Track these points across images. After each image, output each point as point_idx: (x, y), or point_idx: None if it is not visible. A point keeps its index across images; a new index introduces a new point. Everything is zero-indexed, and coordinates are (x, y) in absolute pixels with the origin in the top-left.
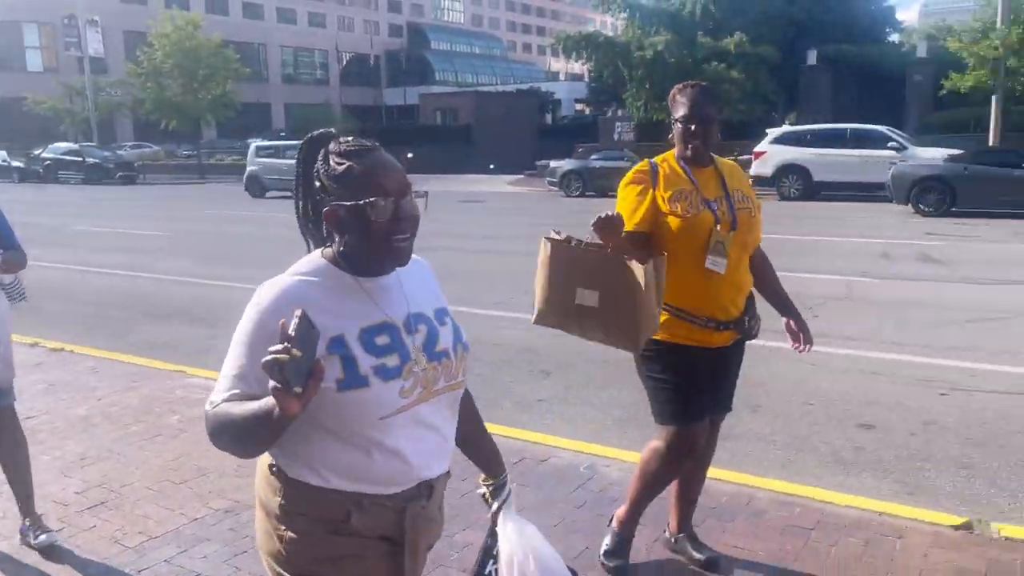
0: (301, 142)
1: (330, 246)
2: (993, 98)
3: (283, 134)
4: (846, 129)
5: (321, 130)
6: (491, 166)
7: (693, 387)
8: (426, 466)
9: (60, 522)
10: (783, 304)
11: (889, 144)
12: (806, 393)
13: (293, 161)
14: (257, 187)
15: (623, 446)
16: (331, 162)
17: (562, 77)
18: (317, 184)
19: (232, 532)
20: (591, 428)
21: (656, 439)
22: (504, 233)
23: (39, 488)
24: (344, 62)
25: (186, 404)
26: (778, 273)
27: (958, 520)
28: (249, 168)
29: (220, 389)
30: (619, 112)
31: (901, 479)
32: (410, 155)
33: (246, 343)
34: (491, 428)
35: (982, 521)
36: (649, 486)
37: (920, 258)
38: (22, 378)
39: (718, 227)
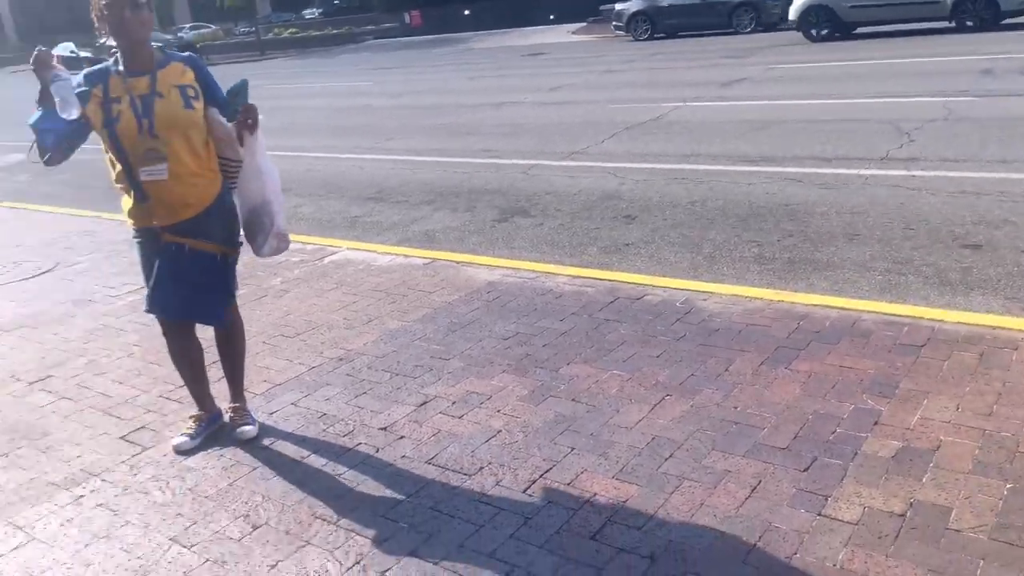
0: None
1: None
2: None
3: (337, 2)
4: None
5: None
6: (551, 16)
7: None
8: None
9: None
10: None
11: None
12: (906, 218)
13: None
14: (828, 22)
15: (718, 280)
16: None
17: None
18: None
19: (349, 377)
20: (683, 267)
21: None
22: (567, 83)
23: (158, 349)
24: None
25: (285, 267)
26: (877, 100)
27: None
28: None
29: None
30: None
31: (1013, 296)
32: (467, 12)
33: None
34: (579, 271)
35: None
36: None
37: None
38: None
39: None
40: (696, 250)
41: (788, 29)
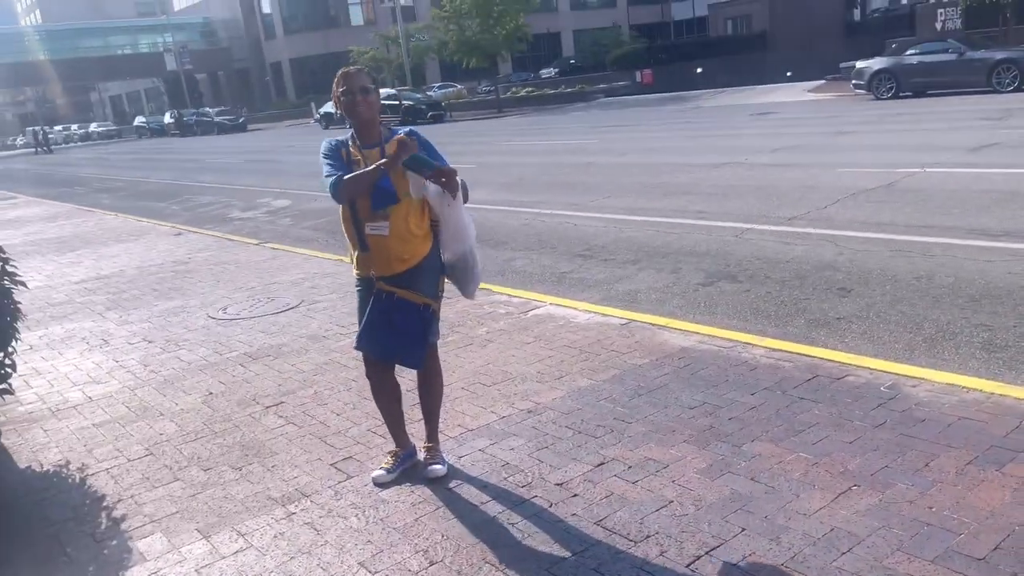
0: None
1: None
2: None
3: (572, 62)
4: None
5: None
6: (788, 73)
7: None
8: None
9: None
10: None
11: None
12: None
13: None
14: None
15: (934, 366)
16: None
17: None
18: None
19: (535, 430)
20: (897, 348)
21: None
22: (794, 144)
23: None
24: None
25: (492, 318)
26: None
27: None
28: None
29: None
30: None
31: None
32: (699, 70)
33: None
34: (778, 344)
35: None
36: None
37: None
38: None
39: None
40: (915, 330)
41: None
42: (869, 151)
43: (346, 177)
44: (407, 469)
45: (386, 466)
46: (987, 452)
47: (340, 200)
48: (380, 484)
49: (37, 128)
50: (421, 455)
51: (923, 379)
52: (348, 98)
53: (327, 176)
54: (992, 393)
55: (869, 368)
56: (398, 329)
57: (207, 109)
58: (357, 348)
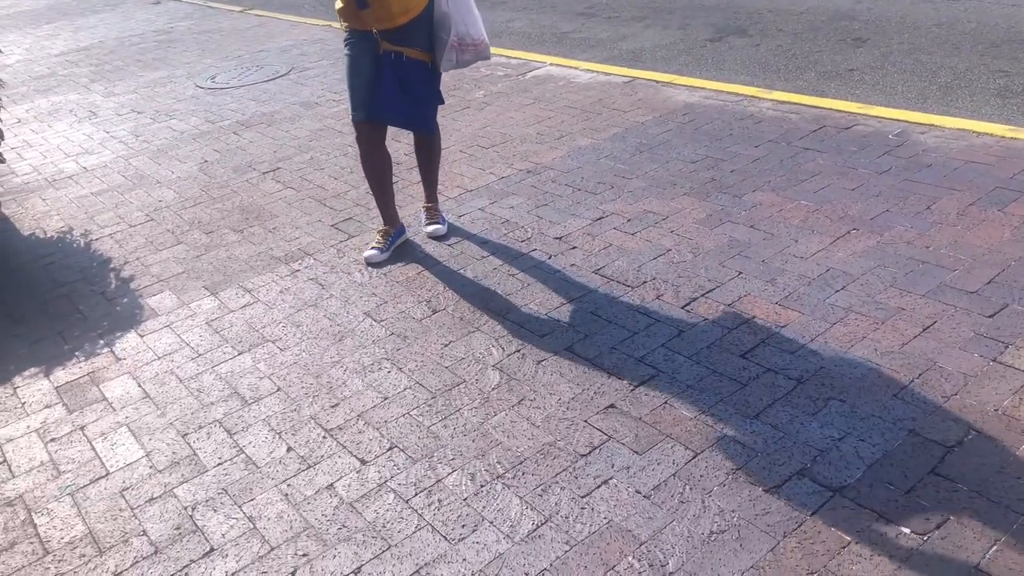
0: None
1: None
2: None
3: None
4: None
5: None
6: None
7: None
8: None
9: None
10: None
11: None
12: None
13: None
14: None
15: (946, 113)
16: None
17: None
18: None
19: (534, 188)
20: (909, 97)
21: None
22: None
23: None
24: None
25: (490, 81)
26: None
27: None
28: None
29: None
30: None
31: None
32: None
33: None
34: (786, 96)
35: None
36: None
37: None
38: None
39: None
40: (930, 79)
41: None
42: None
43: None
44: (400, 247)
45: (378, 245)
46: (991, 193)
47: None
48: (373, 264)
49: None
50: (421, 215)
51: (933, 125)
52: None
53: None
54: (1003, 137)
55: (878, 117)
56: (413, 94)
57: None
58: (361, 119)
